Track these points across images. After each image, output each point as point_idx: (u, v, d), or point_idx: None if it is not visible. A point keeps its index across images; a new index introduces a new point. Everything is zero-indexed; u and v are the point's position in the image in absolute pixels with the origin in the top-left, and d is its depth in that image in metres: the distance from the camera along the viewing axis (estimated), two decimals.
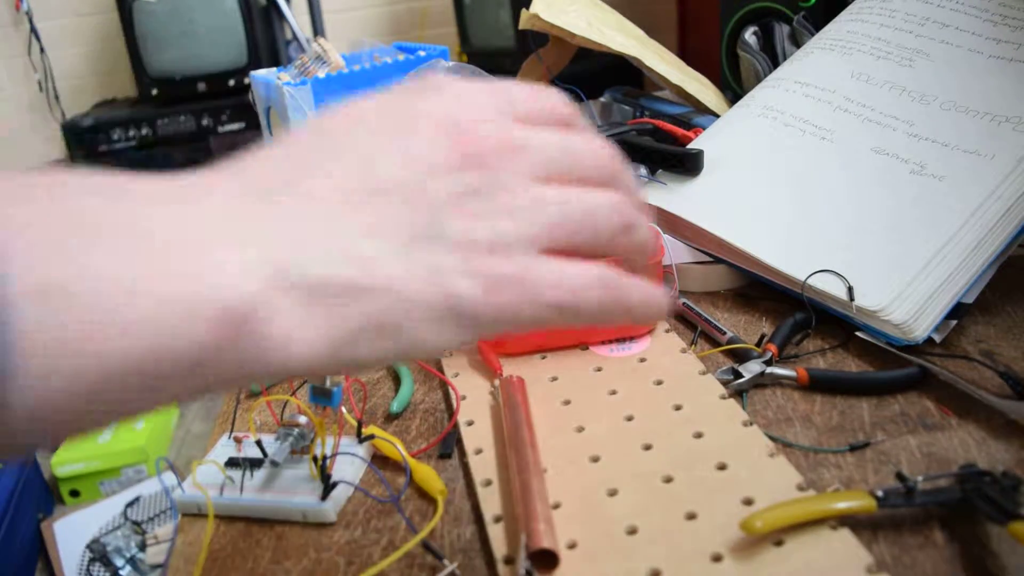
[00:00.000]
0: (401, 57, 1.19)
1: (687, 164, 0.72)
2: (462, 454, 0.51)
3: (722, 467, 0.45)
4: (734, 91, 1.07)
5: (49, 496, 1.92)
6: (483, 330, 0.26)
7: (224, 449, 0.54)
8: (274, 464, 0.50)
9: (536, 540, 0.40)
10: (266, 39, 2.47)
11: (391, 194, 0.25)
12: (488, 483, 0.47)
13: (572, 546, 0.41)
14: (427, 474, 0.49)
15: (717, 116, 0.89)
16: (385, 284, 0.25)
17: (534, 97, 0.29)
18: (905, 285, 0.56)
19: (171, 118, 2.48)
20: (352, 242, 0.25)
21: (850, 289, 0.58)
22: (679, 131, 0.83)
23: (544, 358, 0.60)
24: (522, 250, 0.26)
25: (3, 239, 0.21)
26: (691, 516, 0.42)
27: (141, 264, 0.22)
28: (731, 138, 0.75)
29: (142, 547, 1.65)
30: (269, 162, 0.26)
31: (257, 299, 0.23)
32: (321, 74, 1.14)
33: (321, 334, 0.24)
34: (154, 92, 2.49)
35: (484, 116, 0.27)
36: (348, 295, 0.25)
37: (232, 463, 0.52)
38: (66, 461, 1.89)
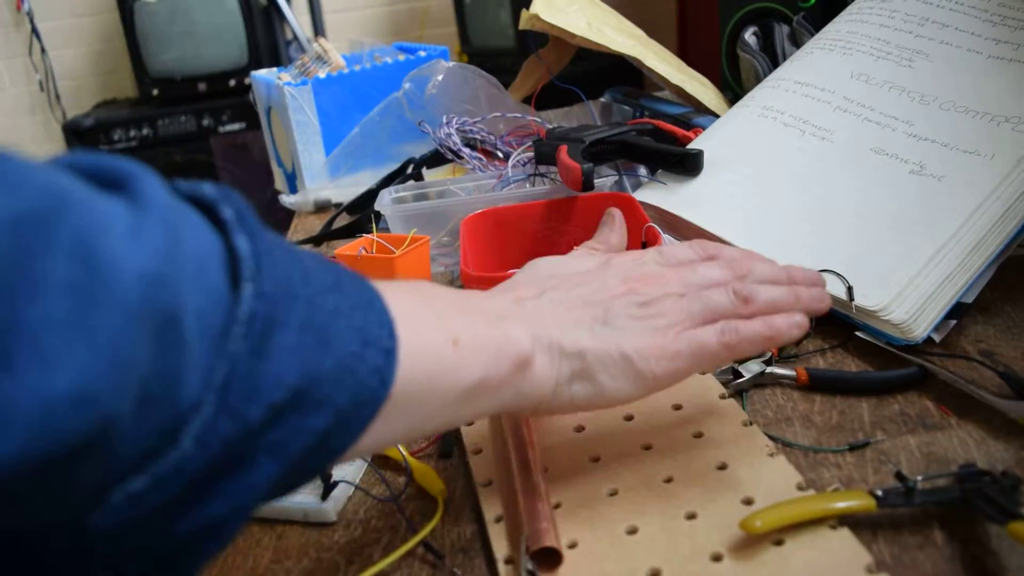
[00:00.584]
0: (401, 57, 1.19)
1: (687, 164, 0.72)
2: (462, 454, 0.52)
3: (722, 467, 0.46)
4: (734, 91, 1.07)
5: None
6: (643, 380, 0.41)
7: None
8: None
9: (538, 539, 0.40)
10: (266, 39, 2.47)
11: (591, 305, 0.43)
12: (488, 483, 0.47)
13: (572, 546, 0.41)
14: (427, 474, 0.49)
15: (717, 116, 0.89)
16: (584, 348, 0.41)
17: (677, 250, 0.47)
18: (905, 285, 0.56)
19: (171, 118, 2.48)
20: (568, 326, 0.42)
21: (850, 289, 0.58)
22: (679, 131, 0.83)
23: None
24: (665, 331, 0.42)
25: (395, 317, 0.34)
26: (691, 516, 0.42)
27: (479, 327, 0.38)
28: (731, 138, 0.75)
29: None
30: (524, 286, 0.45)
31: (530, 351, 0.39)
32: (321, 74, 1.14)
33: (552, 376, 0.40)
34: (154, 92, 2.49)
35: (644, 268, 0.45)
36: (566, 354, 0.41)
37: None
38: None
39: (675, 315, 0.42)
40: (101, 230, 0.24)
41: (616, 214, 0.54)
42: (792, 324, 0.43)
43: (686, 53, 2.38)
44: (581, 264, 0.47)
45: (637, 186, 0.77)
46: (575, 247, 0.71)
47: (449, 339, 0.36)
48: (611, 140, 0.77)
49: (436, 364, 0.35)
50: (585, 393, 0.41)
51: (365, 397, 0.31)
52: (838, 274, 0.59)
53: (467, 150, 0.90)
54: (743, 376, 0.54)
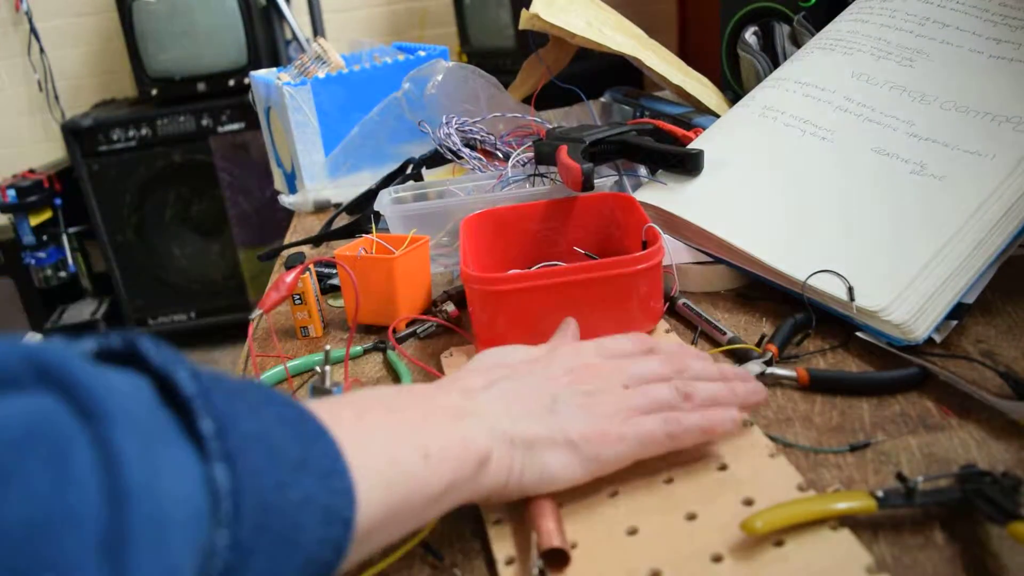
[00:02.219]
0: (401, 57, 1.19)
1: (687, 164, 0.72)
2: None
3: (722, 467, 0.45)
4: (734, 91, 1.07)
5: None
6: (588, 463, 0.43)
7: None
8: None
9: (548, 539, 0.40)
10: (266, 39, 2.47)
11: (539, 393, 0.45)
12: None
13: (572, 546, 0.41)
14: None
15: (717, 116, 0.89)
16: (533, 437, 0.43)
17: (617, 343, 0.49)
18: (905, 285, 0.56)
19: (171, 118, 2.48)
20: (517, 416, 0.43)
21: (850, 289, 0.58)
22: (679, 131, 0.83)
23: None
24: (610, 419, 0.44)
25: (371, 447, 0.37)
26: (691, 516, 0.42)
27: (444, 433, 0.40)
28: (731, 138, 0.75)
29: None
30: (472, 376, 0.46)
31: (488, 448, 0.41)
32: (321, 74, 1.14)
33: (506, 467, 0.41)
34: (154, 92, 2.49)
35: (587, 359, 0.48)
36: (517, 444, 0.42)
37: None
38: None
39: (618, 404, 0.45)
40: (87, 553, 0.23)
41: (571, 324, 0.56)
42: (727, 418, 0.46)
43: (686, 53, 2.38)
44: (527, 354, 0.49)
45: (637, 186, 0.77)
46: (574, 247, 0.71)
47: (421, 454, 0.38)
48: (611, 140, 0.77)
49: (411, 481, 0.37)
50: (535, 478, 0.42)
51: (323, 568, 0.33)
52: (839, 274, 0.59)
53: (467, 150, 0.90)
54: None
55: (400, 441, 0.38)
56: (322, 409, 0.36)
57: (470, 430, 0.41)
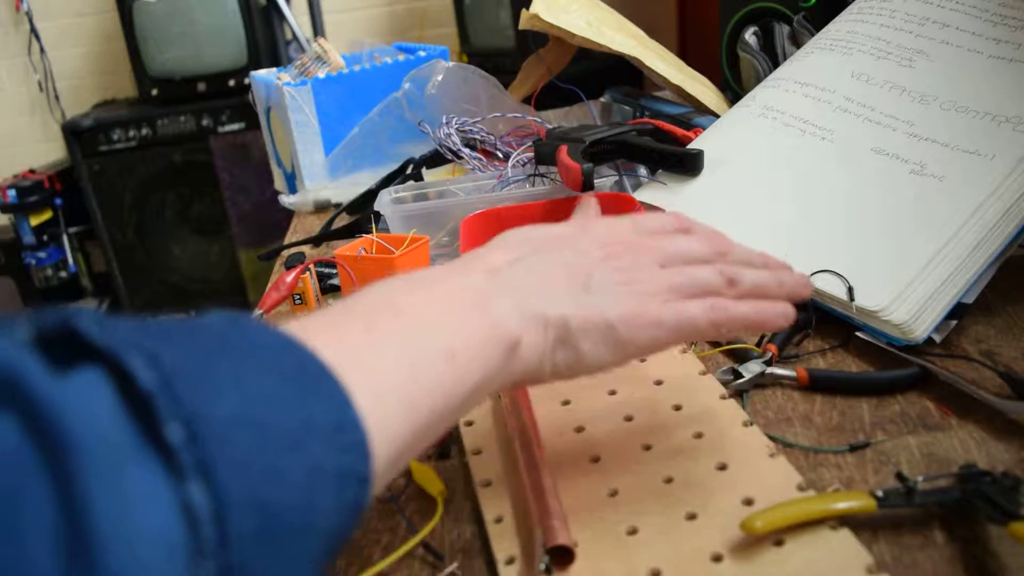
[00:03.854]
0: (401, 57, 1.19)
1: (687, 164, 0.72)
2: (462, 454, 0.51)
3: (722, 467, 0.45)
4: (734, 91, 1.07)
5: None
6: (623, 347, 0.40)
7: None
8: None
9: (554, 536, 0.40)
10: (266, 39, 2.47)
11: (572, 270, 0.41)
12: (488, 483, 0.47)
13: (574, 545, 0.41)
14: (427, 474, 0.49)
15: (717, 116, 0.89)
16: (569, 317, 0.39)
17: (654, 220, 0.46)
18: (905, 285, 0.56)
19: (171, 118, 2.48)
20: (551, 293, 0.40)
21: (850, 289, 0.58)
22: (679, 131, 0.83)
23: None
24: (649, 299, 0.40)
25: (390, 368, 0.33)
26: (691, 516, 0.42)
27: (469, 322, 0.36)
28: (731, 138, 0.75)
29: None
30: (496, 252, 0.42)
31: (519, 331, 0.38)
32: (321, 74, 1.14)
33: (539, 349, 0.38)
34: (154, 92, 2.49)
35: (622, 235, 0.44)
36: (551, 324, 0.39)
37: None
38: None
39: (658, 284, 0.41)
40: None
41: (592, 202, 0.53)
42: (779, 313, 0.42)
43: (686, 53, 2.38)
44: (556, 229, 0.45)
45: (637, 186, 0.77)
46: None
47: (445, 356, 0.34)
48: (611, 140, 0.77)
49: (437, 390, 0.34)
50: (566, 362, 0.39)
51: (346, 530, 0.30)
52: (839, 274, 0.59)
53: (467, 150, 0.90)
54: (743, 376, 0.54)
55: (420, 347, 0.34)
56: (322, 327, 0.32)
57: (497, 311, 0.37)
